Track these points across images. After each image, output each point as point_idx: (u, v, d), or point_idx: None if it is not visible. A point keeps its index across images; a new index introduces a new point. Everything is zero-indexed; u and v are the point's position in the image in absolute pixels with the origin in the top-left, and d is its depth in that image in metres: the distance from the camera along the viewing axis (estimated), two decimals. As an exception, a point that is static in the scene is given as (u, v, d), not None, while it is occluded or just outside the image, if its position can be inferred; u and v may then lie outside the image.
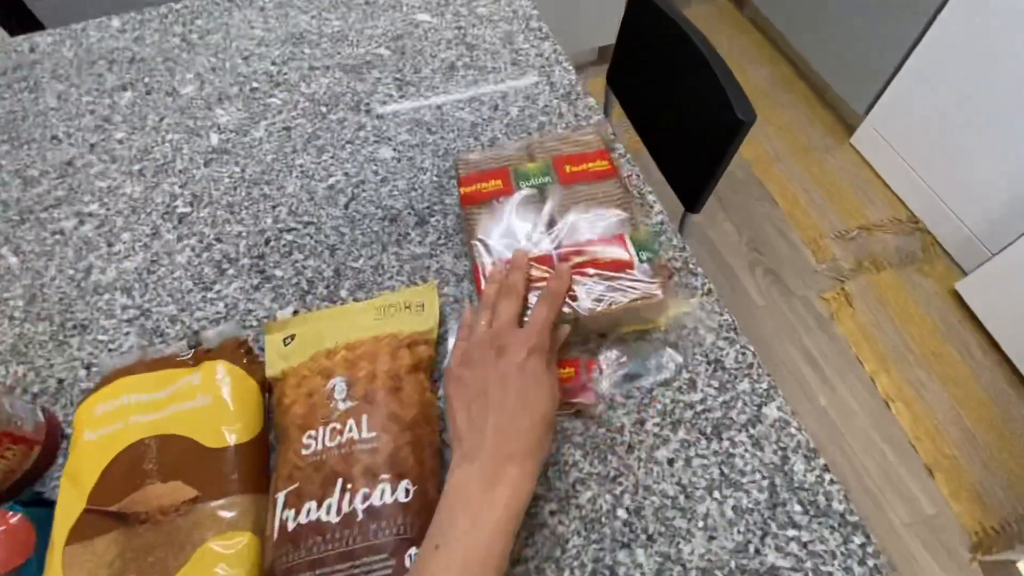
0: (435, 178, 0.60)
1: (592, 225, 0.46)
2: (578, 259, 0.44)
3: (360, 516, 0.33)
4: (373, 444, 0.36)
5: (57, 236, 0.58)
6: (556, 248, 0.45)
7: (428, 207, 0.57)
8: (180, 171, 0.62)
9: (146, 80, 0.73)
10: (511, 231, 0.47)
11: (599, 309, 0.42)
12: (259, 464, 0.40)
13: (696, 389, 0.44)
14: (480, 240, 0.46)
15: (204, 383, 0.41)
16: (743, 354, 0.45)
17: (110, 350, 0.49)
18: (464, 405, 0.35)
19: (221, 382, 0.41)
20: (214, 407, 0.40)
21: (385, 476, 0.35)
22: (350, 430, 0.37)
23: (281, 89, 0.70)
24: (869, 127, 1.76)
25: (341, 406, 0.39)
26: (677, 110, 0.76)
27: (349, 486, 0.35)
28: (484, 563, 0.29)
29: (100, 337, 0.50)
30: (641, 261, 0.44)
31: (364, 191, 0.59)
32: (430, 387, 0.42)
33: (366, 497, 0.34)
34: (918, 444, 1.38)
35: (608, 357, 0.43)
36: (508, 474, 0.31)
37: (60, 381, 0.48)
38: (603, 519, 0.39)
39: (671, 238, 0.53)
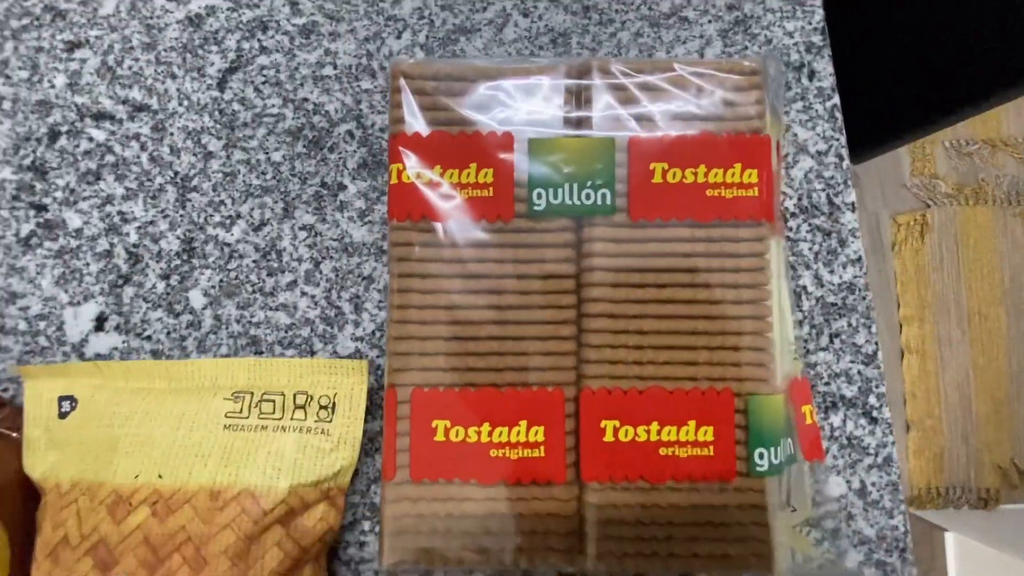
0: (424, 51, 0.28)
1: (677, 343, 0.21)
2: (624, 427, 0.20)
3: None
4: None
5: None
6: (578, 385, 0.20)
7: (392, 126, 0.28)
8: None
9: None
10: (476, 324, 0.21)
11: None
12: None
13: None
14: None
15: None
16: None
17: None
18: None
19: None
20: None
21: None
22: None
23: None
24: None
25: (117, 665, 0.19)
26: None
27: None
28: None
29: None
30: (754, 470, 0.20)
31: (266, 45, 0.28)
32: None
33: None
34: (910, 399, 1.31)
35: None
36: None
37: None
38: None
39: (864, 317, 0.26)
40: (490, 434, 0.20)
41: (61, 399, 0.23)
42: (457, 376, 0.20)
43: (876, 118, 0.41)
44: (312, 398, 0.22)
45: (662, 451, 0.20)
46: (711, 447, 0.20)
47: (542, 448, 0.20)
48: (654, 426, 0.20)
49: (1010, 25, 0.34)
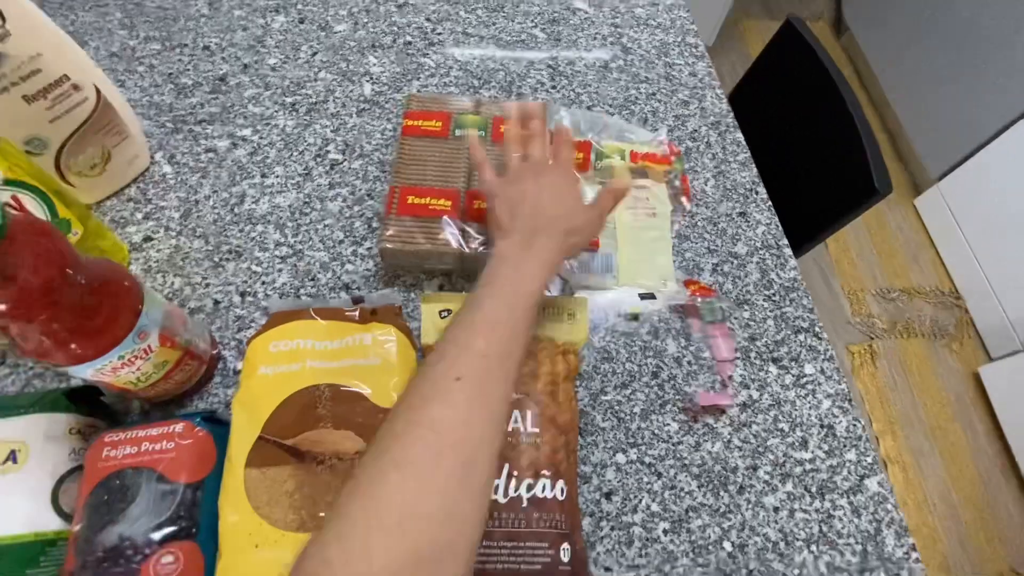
0: (581, 181, 0.61)
1: None
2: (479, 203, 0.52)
3: (525, 503, 0.37)
4: (535, 440, 0.40)
5: (211, 154, 0.59)
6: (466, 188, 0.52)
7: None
8: (332, 115, 0.63)
9: (299, 7, 0.72)
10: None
11: None
12: (414, 430, 0.43)
13: (807, 448, 0.47)
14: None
15: (375, 344, 0.44)
16: (854, 425, 0.48)
17: (264, 283, 0.52)
18: (508, 208, 0.42)
19: (390, 346, 0.44)
20: (383, 368, 0.43)
21: (546, 472, 0.38)
22: (515, 421, 0.40)
23: (435, 50, 0.70)
24: (937, 193, 1.76)
25: (505, 397, 0.42)
26: (803, 155, 0.77)
27: (515, 473, 0.38)
28: (522, 297, 0.35)
29: (254, 267, 0.52)
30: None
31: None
32: (574, 397, 0.45)
33: (530, 487, 0.38)
34: (903, 508, 1.45)
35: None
36: (539, 240, 0.39)
37: (216, 302, 0.50)
38: (710, 547, 0.43)
39: (802, 296, 0.55)
40: (433, 201, 0.49)
41: (442, 311, 0.49)
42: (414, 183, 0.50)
43: (799, 227, 0.75)
44: (565, 310, 0.49)
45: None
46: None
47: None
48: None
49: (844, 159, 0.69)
